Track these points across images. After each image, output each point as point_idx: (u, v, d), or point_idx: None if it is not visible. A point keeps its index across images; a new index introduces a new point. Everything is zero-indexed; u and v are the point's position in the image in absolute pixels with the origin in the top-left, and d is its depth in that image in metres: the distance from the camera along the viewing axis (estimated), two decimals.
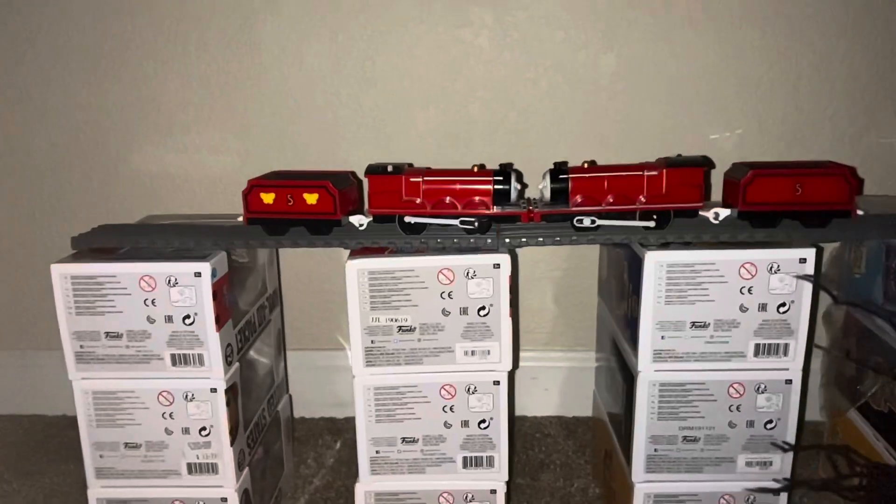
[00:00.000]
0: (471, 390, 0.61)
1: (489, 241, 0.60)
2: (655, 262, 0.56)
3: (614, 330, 0.68)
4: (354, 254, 0.59)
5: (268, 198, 0.61)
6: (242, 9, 0.83)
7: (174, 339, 0.60)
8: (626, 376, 0.63)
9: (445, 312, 0.59)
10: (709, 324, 0.57)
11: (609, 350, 0.71)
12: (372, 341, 0.60)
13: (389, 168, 0.60)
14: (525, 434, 0.89)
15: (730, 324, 0.57)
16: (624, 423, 0.64)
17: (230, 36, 0.84)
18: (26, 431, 0.94)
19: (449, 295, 0.59)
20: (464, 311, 0.59)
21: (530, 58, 0.83)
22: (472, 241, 0.60)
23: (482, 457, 0.63)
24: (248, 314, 0.69)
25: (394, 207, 0.61)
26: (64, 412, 0.99)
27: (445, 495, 0.63)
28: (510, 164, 0.61)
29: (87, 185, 0.90)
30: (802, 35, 0.81)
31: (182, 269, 0.58)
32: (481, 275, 0.58)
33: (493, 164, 0.62)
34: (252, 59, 0.85)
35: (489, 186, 0.60)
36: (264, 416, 0.73)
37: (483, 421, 0.62)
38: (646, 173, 0.58)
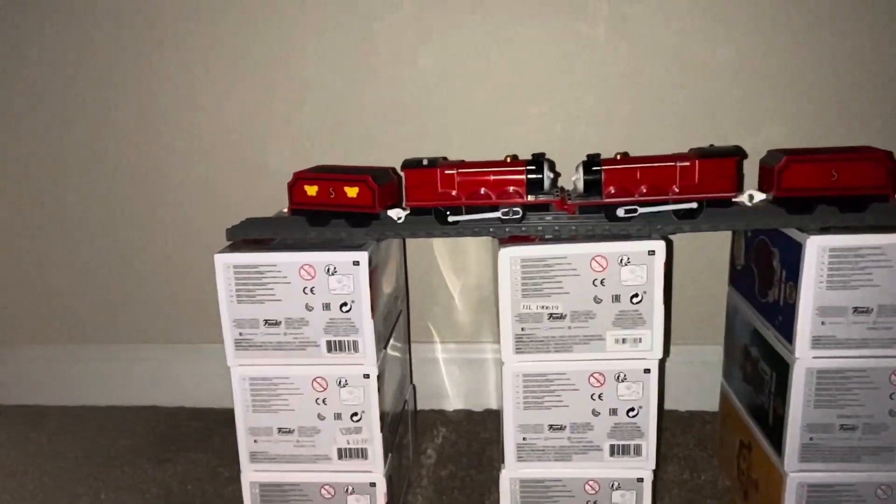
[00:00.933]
0: (620, 378, 0.61)
1: (638, 228, 0.60)
2: (818, 247, 0.56)
3: (755, 319, 0.68)
4: (505, 242, 0.60)
5: (311, 190, 0.63)
6: (359, 10, 0.86)
7: (331, 326, 0.61)
8: (776, 364, 0.62)
9: (597, 300, 0.59)
10: (872, 309, 0.57)
11: (747, 340, 0.70)
12: (522, 328, 0.61)
13: (425, 162, 0.62)
14: None
15: (894, 310, 0.56)
16: (771, 412, 0.63)
17: (346, 39, 0.86)
18: (148, 422, 0.98)
19: (601, 282, 0.59)
20: (616, 298, 0.59)
21: (646, 49, 0.83)
22: (605, 228, 0.60)
23: (629, 445, 0.63)
24: (387, 304, 0.70)
25: (430, 200, 0.62)
26: (181, 404, 1.02)
27: (591, 483, 0.64)
28: (542, 154, 0.62)
29: (228, 181, 0.94)
30: None
31: (341, 258, 0.60)
32: (635, 262, 0.58)
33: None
34: (369, 59, 0.87)
35: (522, 176, 0.61)
36: (398, 406, 0.75)
37: (632, 409, 0.62)
38: (678, 164, 0.59)
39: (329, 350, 0.62)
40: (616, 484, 0.63)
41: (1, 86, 0.93)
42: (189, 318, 0.99)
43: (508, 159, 0.63)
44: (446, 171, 0.62)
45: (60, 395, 1.04)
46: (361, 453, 0.64)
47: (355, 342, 0.62)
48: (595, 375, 0.61)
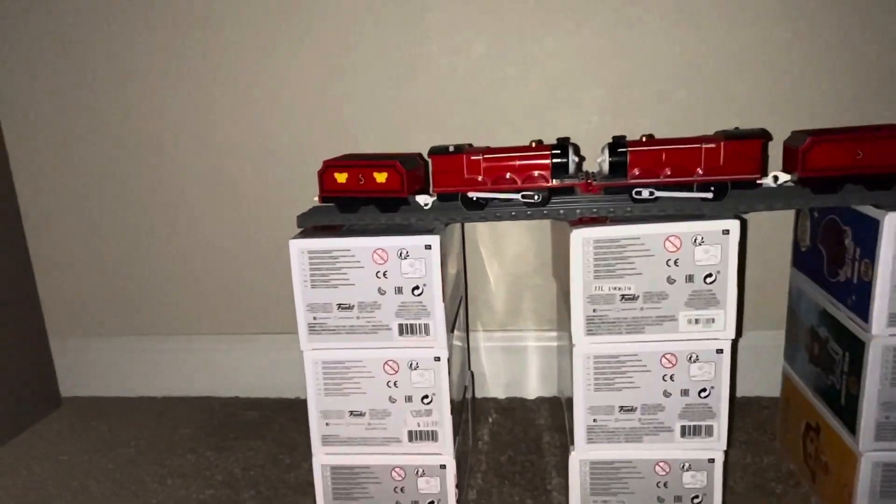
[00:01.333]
0: (692, 359, 0.61)
1: (709, 208, 0.60)
2: None
3: (823, 299, 0.67)
4: (576, 223, 0.60)
5: (341, 177, 0.64)
6: (413, 3, 0.86)
7: (402, 309, 0.62)
8: (848, 344, 0.62)
9: (670, 280, 0.60)
10: None
11: (814, 321, 0.70)
12: (594, 310, 0.61)
13: (451, 148, 0.63)
14: None
15: None
16: (843, 392, 0.63)
17: (400, 29, 0.87)
18: (204, 412, 0.99)
19: (675, 262, 0.59)
20: (689, 278, 0.59)
21: (700, 34, 0.83)
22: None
23: (701, 426, 0.63)
24: (453, 289, 0.71)
25: (456, 185, 0.63)
26: (236, 394, 1.04)
27: (662, 464, 0.64)
28: (567, 138, 0.63)
29: (285, 174, 0.95)
30: None
31: (413, 242, 0.61)
32: (709, 241, 0.58)
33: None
34: (421, 48, 0.88)
35: (547, 161, 0.62)
36: (460, 391, 0.75)
37: (704, 390, 0.62)
38: (703, 146, 0.60)
39: (401, 333, 0.63)
40: (687, 465, 0.63)
41: (65, 81, 0.95)
42: (243, 309, 1.01)
43: (533, 144, 0.64)
44: (472, 157, 0.63)
45: (118, 386, 1.06)
46: (432, 435, 0.65)
47: (426, 325, 0.62)
48: (667, 356, 0.61)
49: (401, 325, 0.63)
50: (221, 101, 0.93)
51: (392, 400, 0.64)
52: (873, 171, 0.58)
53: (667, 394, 0.62)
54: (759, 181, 0.60)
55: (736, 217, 0.58)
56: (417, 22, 0.87)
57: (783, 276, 0.87)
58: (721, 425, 0.62)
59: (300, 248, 0.62)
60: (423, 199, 0.65)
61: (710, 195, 0.60)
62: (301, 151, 0.93)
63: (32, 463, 0.88)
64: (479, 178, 0.63)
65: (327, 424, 0.66)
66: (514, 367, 0.97)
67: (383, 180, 0.63)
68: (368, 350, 0.64)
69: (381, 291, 0.62)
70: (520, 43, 0.86)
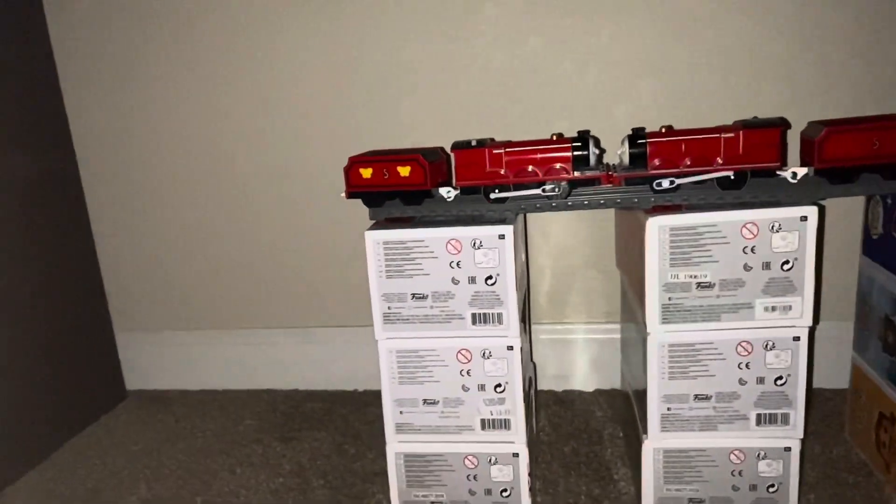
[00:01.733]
0: (769, 346, 0.61)
1: (785, 195, 0.60)
2: None
3: None
4: (651, 212, 0.61)
5: (366, 173, 0.65)
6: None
7: (476, 299, 0.63)
8: None
9: (747, 268, 0.59)
10: None
11: (888, 309, 0.69)
12: (669, 298, 0.61)
13: (473, 143, 0.64)
14: None
15: None
16: None
17: (456, 22, 0.88)
18: (267, 404, 1.01)
19: (752, 250, 0.59)
20: (766, 265, 0.59)
21: (758, 23, 0.83)
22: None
23: (777, 414, 0.62)
24: (520, 279, 0.71)
25: (479, 179, 0.64)
26: (295, 386, 1.05)
27: (737, 452, 0.64)
28: (587, 131, 0.64)
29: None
30: None
31: (487, 232, 0.61)
32: (787, 228, 0.58)
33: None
34: (477, 42, 0.88)
35: (568, 153, 0.62)
36: (526, 381, 0.76)
37: (780, 378, 0.61)
38: (723, 136, 0.60)
39: (474, 322, 0.64)
40: (762, 453, 0.63)
41: (129, 80, 0.98)
42: (302, 303, 1.03)
43: (554, 137, 0.64)
44: (494, 151, 0.64)
45: (180, 379, 1.08)
46: (504, 424, 0.66)
47: (499, 314, 0.63)
48: (743, 344, 0.61)
49: (474, 315, 0.63)
50: (278, 99, 0.95)
51: (465, 388, 0.65)
52: (890, 160, 0.58)
53: (742, 382, 0.62)
54: (778, 171, 0.60)
55: (813, 203, 0.58)
56: (473, 15, 0.88)
57: (849, 265, 0.86)
58: (798, 413, 0.62)
59: (376, 240, 0.63)
60: (446, 191, 0.66)
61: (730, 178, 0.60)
62: (360, 146, 0.95)
63: (105, 453, 0.91)
64: (502, 172, 0.64)
65: (401, 413, 0.67)
66: (566, 359, 0.97)
67: (407, 174, 0.64)
68: (442, 339, 0.65)
69: (454, 281, 0.63)
70: (576, 35, 0.87)
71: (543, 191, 0.64)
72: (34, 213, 0.91)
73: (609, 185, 0.64)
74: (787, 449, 0.63)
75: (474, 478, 0.67)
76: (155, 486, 0.82)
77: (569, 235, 0.93)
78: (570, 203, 0.63)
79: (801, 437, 0.63)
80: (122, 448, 0.91)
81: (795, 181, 0.61)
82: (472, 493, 0.67)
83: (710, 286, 0.60)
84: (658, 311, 0.61)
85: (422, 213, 0.66)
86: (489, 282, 0.62)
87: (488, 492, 0.67)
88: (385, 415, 0.67)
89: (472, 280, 0.63)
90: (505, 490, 0.67)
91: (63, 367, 0.95)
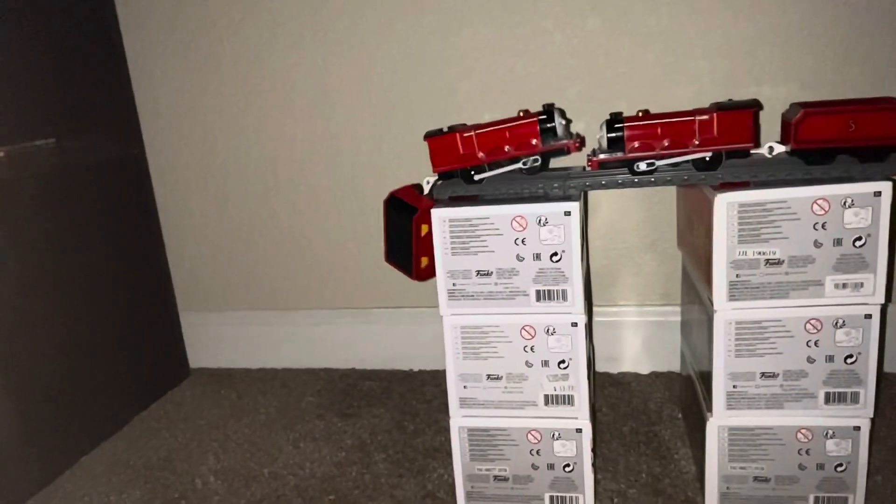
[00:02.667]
0: (839, 324, 0.60)
1: (858, 170, 0.59)
2: None
3: None
4: (718, 188, 0.60)
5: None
6: None
7: (540, 275, 0.64)
8: None
9: (817, 244, 0.59)
10: None
11: None
12: (737, 275, 0.61)
13: (445, 129, 0.66)
14: None
15: None
16: None
17: (515, 4, 0.88)
18: (325, 382, 1.04)
19: (822, 226, 0.58)
20: (837, 242, 0.58)
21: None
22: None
23: (846, 392, 0.62)
24: (583, 256, 0.72)
25: (454, 163, 0.66)
26: (353, 366, 1.08)
27: (804, 431, 0.63)
28: (552, 104, 0.65)
29: (407, 150, 0.98)
30: None
31: (553, 209, 0.62)
32: (859, 204, 0.57)
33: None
34: (536, 24, 0.88)
35: (535, 127, 0.64)
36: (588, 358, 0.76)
37: (850, 356, 0.61)
38: (697, 118, 0.61)
39: (538, 299, 0.64)
40: (831, 432, 0.63)
41: (196, 66, 1.01)
42: (360, 284, 1.05)
43: (521, 114, 0.65)
44: (465, 134, 0.65)
45: (242, 357, 1.12)
46: (568, 399, 0.66)
47: (564, 291, 0.64)
48: (812, 322, 0.61)
49: (538, 291, 0.64)
50: (339, 84, 0.97)
51: (529, 364, 0.66)
52: (866, 142, 0.58)
53: (811, 360, 0.61)
54: (752, 151, 0.61)
55: (887, 179, 0.57)
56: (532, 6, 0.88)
57: None
58: (868, 392, 0.61)
59: (442, 217, 0.64)
60: (425, 181, 0.70)
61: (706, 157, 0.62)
62: (417, 130, 0.96)
63: (173, 426, 0.94)
64: (477, 154, 0.65)
65: (465, 388, 0.68)
66: (618, 342, 0.97)
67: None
68: (506, 315, 0.65)
69: (519, 258, 0.64)
70: (636, 15, 0.86)
71: (524, 164, 0.65)
72: (103, 197, 0.95)
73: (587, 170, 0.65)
74: (857, 428, 0.62)
75: (537, 452, 0.68)
76: (223, 458, 0.85)
77: (620, 215, 0.93)
78: (636, 181, 0.63)
79: (872, 416, 0.62)
80: (189, 422, 0.95)
81: (771, 155, 0.63)
82: (534, 467, 0.68)
83: (778, 263, 0.60)
84: (725, 288, 0.61)
85: (485, 193, 0.67)
86: (554, 259, 0.63)
87: (551, 466, 0.68)
88: (449, 389, 0.68)
89: (537, 257, 0.63)
90: (568, 465, 0.67)
91: (131, 344, 0.99)
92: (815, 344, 0.61)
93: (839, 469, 0.63)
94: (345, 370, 1.07)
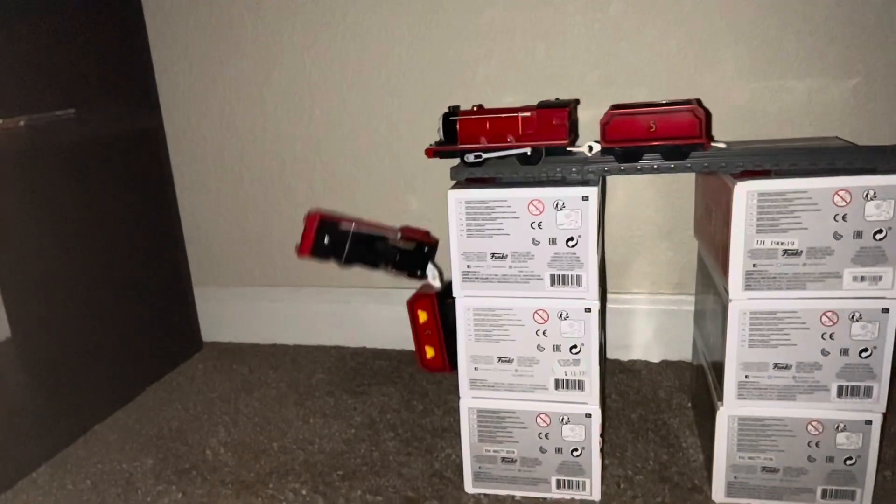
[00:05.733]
0: (855, 317, 0.60)
1: (880, 161, 0.58)
2: None
3: None
4: (738, 177, 0.60)
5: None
6: None
7: (555, 260, 0.64)
8: None
9: (837, 236, 0.58)
10: None
11: None
12: (754, 265, 0.60)
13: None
14: None
15: None
16: None
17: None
18: (336, 360, 1.04)
19: (843, 217, 0.58)
20: (857, 234, 0.58)
21: None
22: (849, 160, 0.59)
23: (860, 386, 0.61)
24: (599, 242, 0.72)
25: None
26: (363, 344, 1.08)
27: (814, 423, 0.63)
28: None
29: (418, 131, 0.98)
30: None
31: (571, 193, 0.62)
32: (881, 196, 0.57)
33: None
34: (552, 8, 0.88)
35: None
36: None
37: (865, 350, 0.60)
38: (520, 115, 0.64)
39: (552, 284, 0.64)
40: (842, 426, 0.62)
41: (215, 37, 1.01)
42: None
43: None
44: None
45: (253, 333, 1.12)
46: (578, 385, 0.66)
47: (579, 276, 0.64)
48: (827, 314, 0.60)
49: (553, 276, 0.64)
50: (357, 63, 0.96)
51: (540, 348, 0.66)
52: (666, 142, 0.62)
53: (825, 352, 0.61)
54: (570, 148, 0.65)
55: None
56: None
57: None
58: (882, 387, 0.61)
59: (458, 199, 0.64)
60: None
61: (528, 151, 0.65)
62: (433, 110, 0.95)
63: (185, 398, 0.95)
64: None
65: (476, 369, 0.68)
66: (630, 329, 0.97)
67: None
68: (519, 299, 0.65)
69: (534, 242, 0.63)
70: (658, 0, 0.85)
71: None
72: (121, 169, 0.95)
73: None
74: (868, 422, 0.62)
75: (546, 436, 0.68)
76: (233, 431, 0.86)
77: (637, 202, 0.92)
78: (655, 167, 0.63)
79: (884, 410, 0.62)
80: (200, 395, 0.96)
81: (590, 154, 0.67)
82: (542, 450, 0.68)
83: (796, 254, 0.59)
84: (741, 277, 0.61)
85: (503, 174, 0.67)
86: (570, 243, 0.63)
87: (559, 450, 0.68)
88: (460, 370, 0.69)
89: (553, 241, 0.63)
90: (576, 450, 0.68)
91: (144, 316, 1.00)
92: (831, 337, 0.61)
93: (848, 462, 0.63)
94: (356, 348, 1.08)
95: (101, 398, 0.91)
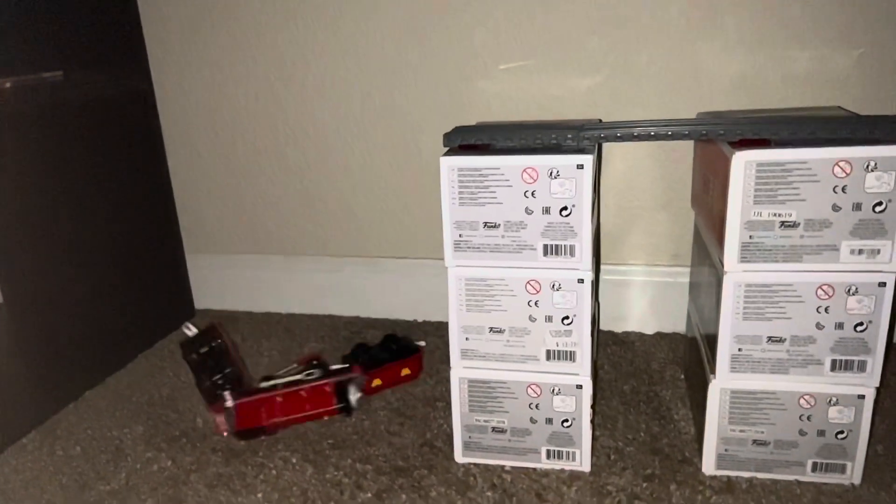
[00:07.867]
0: (851, 291, 0.59)
1: (883, 131, 0.56)
2: None
3: None
4: (736, 146, 0.58)
5: None
6: None
7: (549, 229, 0.62)
8: None
9: (835, 208, 0.57)
10: None
11: None
12: (750, 237, 0.59)
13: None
14: None
15: None
16: None
17: None
18: (329, 328, 1.04)
19: (842, 189, 0.56)
20: (857, 206, 0.57)
21: None
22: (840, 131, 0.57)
23: (853, 360, 0.61)
24: (594, 212, 0.70)
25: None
26: (357, 314, 1.08)
27: (807, 397, 0.63)
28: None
29: (430, 114, 0.96)
30: None
31: (565, 161, 0.60)
32: (882, 167, 0.55)
33: None
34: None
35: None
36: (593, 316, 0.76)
37: (860, 324, 0.60)
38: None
39: (545, 254, 0.63)
40: (834, 399, 0.62)
41: (207, 1, 0.98)
42: (365, 233, 1.04)
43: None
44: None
45: (246, 301, 1.12)
46: (570, 356, 0.66)
47: (572, 247, 0.63)
48: (823, 287, 0.59)
49: (546, 246, 0.63)
50: (352, 27, 0.94)
51: (532, 319, 0.65)
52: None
53: (819, 326, 0.60)
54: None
55: None
56: None
57: None
58: (876, 361, 0.60)
59: (450, 166, 0.62)
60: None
61: None
62: (429, 76, 0.94)
63: (177, 365, 0.95)
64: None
65: (467, 339, 0.68)
66: (625, 301, 0.96)
67: None
68: (511, 269, 0.64)
69: (528, 211, 0.62)
70: None
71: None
72: (110, 133, 0.94)
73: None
74: (861, 396, 0.61)
75: (536, 406, 0.68)
76: None
77: (635, 172, 0.91)
78: (652, 133, 0.61)
79: (877, 385, 0.61)
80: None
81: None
82: (532, 420, 0.68)
83: (794, 225, 0.58)
84: (737, 249, 0.60)
85: (496, 142, 0.65)
86: (563, 213, 0.62)
87: (549, 421, 0.68)
88: (451, 340, 0.68)
89: (546, 210, 0.62)
90: (566, 420, 0.67)
91: (137, 283, 0.99)
92: (826, 310, 0.60)
93: (840, 436, 0.63)
94: (349, 318, 1.07)
95: (93, 365, 0.91)
